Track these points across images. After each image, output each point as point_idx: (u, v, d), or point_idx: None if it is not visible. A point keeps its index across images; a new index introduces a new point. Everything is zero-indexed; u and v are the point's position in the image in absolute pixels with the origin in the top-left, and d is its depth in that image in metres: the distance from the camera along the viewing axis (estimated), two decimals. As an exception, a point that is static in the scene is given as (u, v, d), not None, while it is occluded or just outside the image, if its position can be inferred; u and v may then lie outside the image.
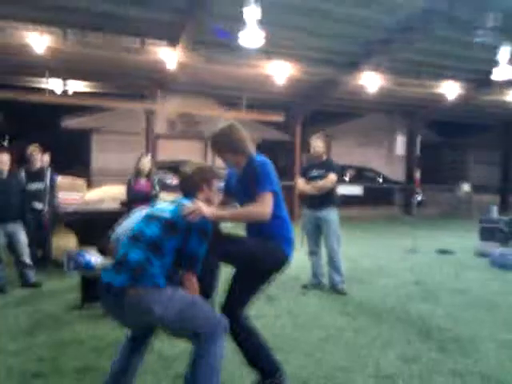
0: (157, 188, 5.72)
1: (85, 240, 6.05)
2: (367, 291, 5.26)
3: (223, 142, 2.71)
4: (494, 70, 9.88)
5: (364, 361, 3.28)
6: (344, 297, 4.98)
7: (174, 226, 2.36)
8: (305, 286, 5.28)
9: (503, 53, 9.51)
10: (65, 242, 6.20)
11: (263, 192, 2.56)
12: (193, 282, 2.39)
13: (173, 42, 8.96)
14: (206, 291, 2.50)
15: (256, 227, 2.68)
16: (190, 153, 12.62)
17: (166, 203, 2.58)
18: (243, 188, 2.69)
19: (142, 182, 5.68)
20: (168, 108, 12.20)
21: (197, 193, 2.56)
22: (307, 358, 3.32)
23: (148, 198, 5.32)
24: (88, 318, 4.13)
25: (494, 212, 8.65)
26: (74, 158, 13.51)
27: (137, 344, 2.55)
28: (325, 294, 5.11)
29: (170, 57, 9.08)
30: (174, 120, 13.90)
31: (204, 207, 2.38)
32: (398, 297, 5.01)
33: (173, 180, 10.27)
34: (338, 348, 3.52)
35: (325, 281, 5.31)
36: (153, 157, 9.15)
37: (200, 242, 2.39)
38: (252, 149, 2.74)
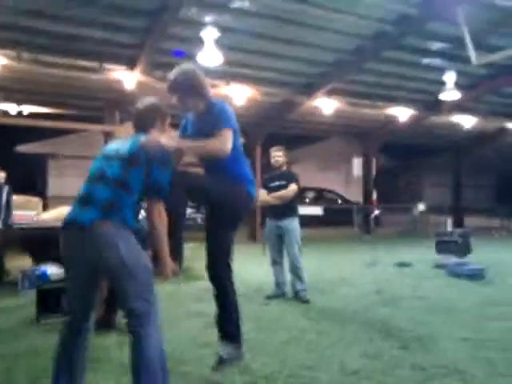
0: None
1: (40, 259, 5.81)
2: (329, 299, 5.30)
3: (186, 86, 2.71)
4: (442, 93, 10.45)
5: (328, 360, 3.29)
6: (307, 304, 5.00)
7: (134, 158, 2.31)
8: (268, 297, 5.26)
9: (449, 77, 10.09)
10: (19, 261, 5.96)
11: (224, 128, 2.59)
12: (160, 209, 2.34)
13: (131, 64, 8.97)
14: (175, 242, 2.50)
15: (216, 167, 2.70)
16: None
17: (119, 142, 2.51)
18: (201, 132, 2.70)
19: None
20: (127, 130, 12.09)
21: (151, 128, 2.50)
22: (272, 358, 3.30)
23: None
24: (44, 330, 3.96)
25: (449, 226, 8.99)
26: (29, 184, 13.09)
27: (76, 337, 2.37)
28: (288, 302, 5.12)
29: (127, 78, 9.06)
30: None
31: (163, 138, 2.36)
32: (360, 304, 5.08)
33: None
34: (301, 349, 3.52)
35: (288, 290, 5.33)
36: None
37: (162, 171, 2.35)
38: (210, 93, 2.77)
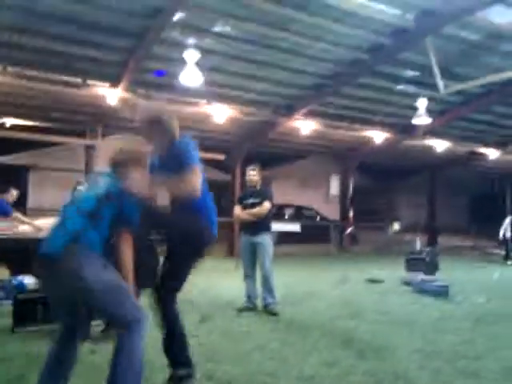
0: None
1: (18, 270, 5.92)
2: (298, 312, 5.54)
3: (156, 130, 2.87)
4: (414, 119, 10.93)
5: (288, 367, 3.52)
6: (276, 316, 5.22)
7: (110, 196, 2.52)
8: (239, 310, 5.46)
9: (421, 103, 10.58)
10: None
11: (192, 164, 2.73)
12: (127, 237, 2.54)
13: (114, 81, 9.21)
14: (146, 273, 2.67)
15: (181, 203, 2.83)
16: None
17: (92, 186, 2.68)
18: (164, 169, 2.83)
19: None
20: (109, 144, 12.26)
21: (127, 169, 2.66)
22: (235, 365, 3.51)
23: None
24: (19, 338, 4.10)
25: (418, 245, 9.35)
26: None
27: (64, 348, 2.57)
28: (258, 314, 5.34)
29: (110, 94, 9.29)
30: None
31: (139, 184, 2.56)
32: (326, 316, 5.33)
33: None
34: (263, 357, 3.73)
35: (258, 303, 5.55)
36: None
37: (132, 205, 2.56)
38: (177, 133, 2.92)
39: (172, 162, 2.83)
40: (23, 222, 6.59)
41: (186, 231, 2.83)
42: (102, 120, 11.21)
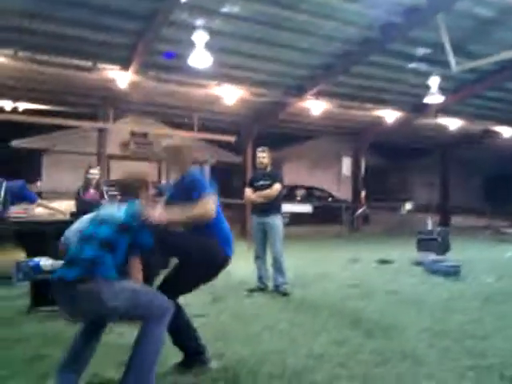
0: (107, 197, 5.92)
1: (34, 252, 6.07)
2: (308, 293, 5.61)
3: (175, 157, 3.11)
4: (427, 97, 10.79)
5: (297, 346, 3.59)
6: (286, 297, 5.31)
7: (126, 226, 2.65)
8: (250, 290, 5.56)
9: (433, 81, 10.42)
10: (14, 254, 6.20)
11: (208, 193, 2.87)
12: (137, 263, 2.70)
13: (124, 64, 9.23)
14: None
15: (198, 227, 2.93)
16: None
17: (111, 207, 2.88)
18: (174, 197, 3.03)
19: (92, 191, 5.88)
20: (121, 127, 12.36)
21: (136, 196, 2.85)
22: (244, 345, 3.59)
23: (99, 207, 5.48)
24: (36, 319, 4.23)
25: (429, 224, 9.32)
26: (23, 178, 13.30)
27: (89, 337, 2.73)
28: (268, 295, 5.43)
29: (121, 77, 9.32)
30: (127, 141, 14.04)
31: (156, 212, 2.71)
32: (336, 297, 5.39)
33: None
34: (273, 337, 3.82)
35: (270, 284, 5.63)
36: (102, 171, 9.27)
37: (146, 232, 2.71)
38: (190, 166, 3.14)
39: (181, 193, 2.97)
40: (48, 208, 6.71)
41: (201, 256, 2.91)
42: (114, 103, 11.26)
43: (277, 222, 5.64)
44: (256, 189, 5.71)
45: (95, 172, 5.96)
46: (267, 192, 5.60)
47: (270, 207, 5.60)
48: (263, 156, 5.77)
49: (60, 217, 6.23)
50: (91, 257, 2.51)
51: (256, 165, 5.96)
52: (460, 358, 3.36)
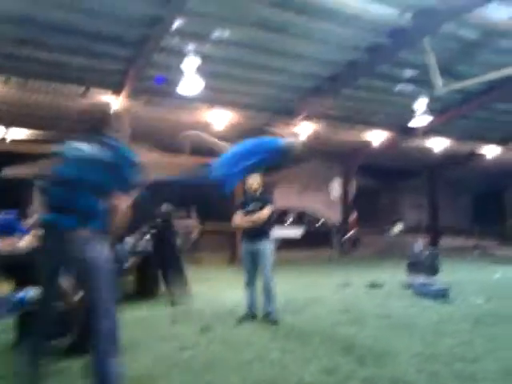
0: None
1: (23, 283, 5.95)
2: (299, 319, 5.58)
3: None
4: (414, 118, 10.97)
5: (287, 375, 3.58)
6: (276, 325, 5.24)
7: (115, 166, 2.67)
8: (240, 319, 5.47)
9: (420, 103, 10.63)
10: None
11: None
12: (122, 204, 2.75)
13: (116, 89, 9.31)
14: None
15: None
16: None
17: (83, 146, 2.85)
18: None
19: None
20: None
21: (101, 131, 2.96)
22: (235, 374, 3.57)
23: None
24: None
25: (418, 247, 9.37)
26: (14, 206, 13.15)
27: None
28: (258, 323, 5.37)
29: (113, 102, 9.39)
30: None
31: None
32: (327, 323, 5.37)
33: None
34: (264, 366, 3.79)
35: (259, 312, 5.57)
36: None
37: (134, 172, 2.76)
38: None
39: None
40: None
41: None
42: (106, 128, 11.25)
43: (267, 247, 5.57)
44: (245, 213, 5.71)
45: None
46: (257, 216, 5.58)
47: (259, 232, 5.55)
48: (253, 181, 5.78)
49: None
50: (86, 208, 2.54)
51: (246, 189, 5.97)
52: (448, 383, 3.38)
